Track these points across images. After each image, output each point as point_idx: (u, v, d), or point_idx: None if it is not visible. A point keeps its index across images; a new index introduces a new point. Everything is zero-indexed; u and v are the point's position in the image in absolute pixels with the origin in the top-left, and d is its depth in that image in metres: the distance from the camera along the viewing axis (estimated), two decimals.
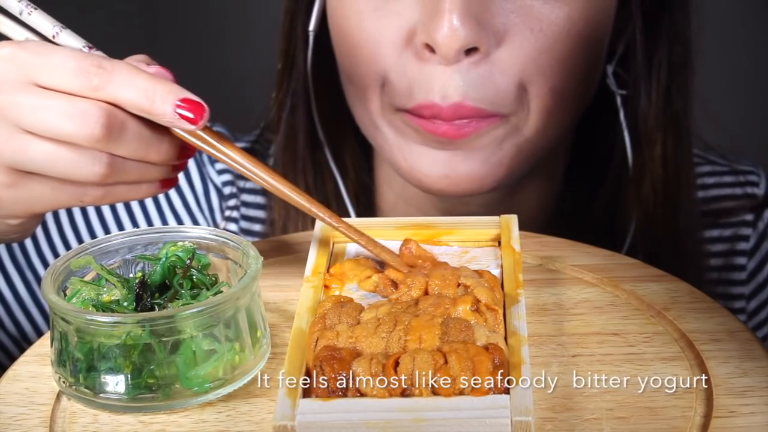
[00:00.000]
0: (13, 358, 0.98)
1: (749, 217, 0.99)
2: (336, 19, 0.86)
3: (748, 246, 0.98)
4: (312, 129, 0.95)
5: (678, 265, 0.90)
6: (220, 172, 1.00)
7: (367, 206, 0.99)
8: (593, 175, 0.97)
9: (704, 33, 0.93)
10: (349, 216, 0.96)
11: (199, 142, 0.68)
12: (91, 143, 0.65)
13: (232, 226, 1.00)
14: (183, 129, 0.66)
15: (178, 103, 0.65)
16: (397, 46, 0.82)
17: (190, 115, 0.65)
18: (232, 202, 1.00)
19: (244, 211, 1.00)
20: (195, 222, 1.00)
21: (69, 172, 0.66)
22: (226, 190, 1.00)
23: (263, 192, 1.00)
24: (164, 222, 1.00)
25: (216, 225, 1.00)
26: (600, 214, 0.96)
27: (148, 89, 0.64)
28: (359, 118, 0.89)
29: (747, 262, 0.98)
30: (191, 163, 1.01)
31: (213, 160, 1.00)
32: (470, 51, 0.79)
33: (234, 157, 0.68)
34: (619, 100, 0.91)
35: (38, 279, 0.98)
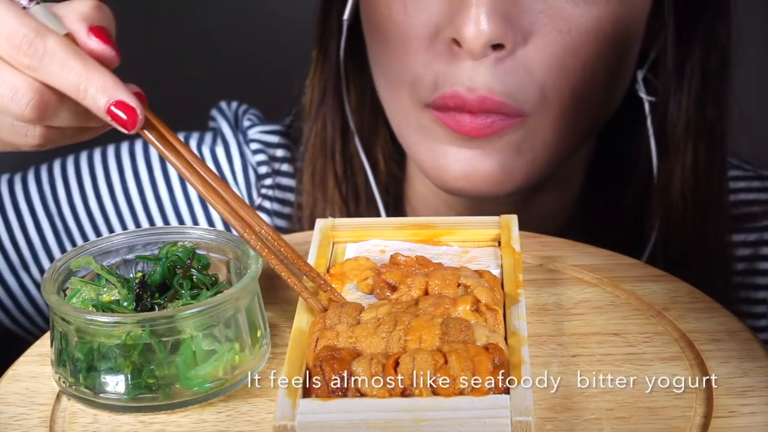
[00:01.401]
0: (36, 305, 0.99)
1: None
2: (368, 10, 0.87)
3: None
4: (343, 118, 0.95)
5: (706, 272, 0.90)
6: (255, 152, 1.01)
7: (397, 198, 0.99)
8: (618, 180, 0.97)
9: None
10: (377, 208, 0.96)
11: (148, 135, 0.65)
12: (22, 122, 0.62)
13: (267, 204, 1.01)
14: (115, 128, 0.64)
15: (112, 105, 0.62)
16: (425, 39, 0.82)
17: (124, 117, 0.62)
18: (267, 182, 1.01)
19: (278, 193, 1.01)
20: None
21: (3, 134, 0.64)
22: (261, 170, 1.01)
23: (296, 176, 1.00)
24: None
25: (252, 200, 1.01)
26: (622, 220, 0.96)
27: (81, 82, 0.61)
28: (388, 111, 0.90)
29: None
30: (231, 140, 1.01)
31: (248, 140, 1.01)
32: (497, 47, 0.80)
33: (171, 154, 0.65)
34: (647, 106, 0.91)
35: (67, 229, 0.99)
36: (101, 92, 0.62)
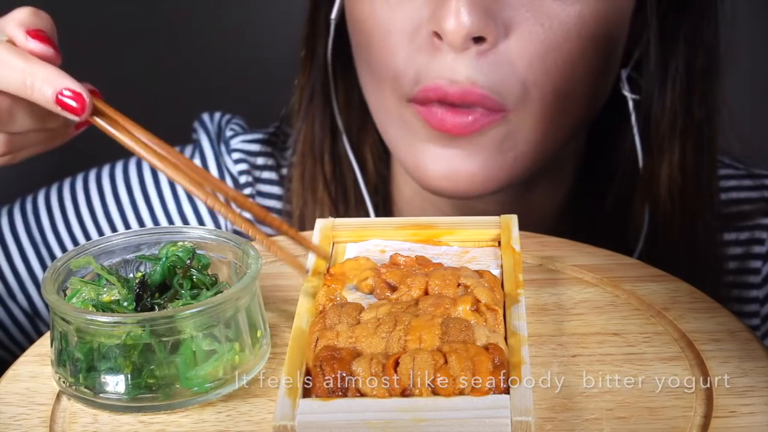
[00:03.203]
0: (25, 332, 0.99)
1: (765, 220, 0.99)
2: (351, 7, 0.87)
3: (763, 249, 0.98)
4: (331, 118, 0.96)
5: (696, 271, 0.90)
6: (237, 161, 1.01)
7: (386, 198, 0.99)
8: (607, 179, 0.97)
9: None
10: (366, 209, 0.96)
11: (101, 122, 0.66)
12: None
13: (247, 215, 1.01)
14: (68, 118, 0.66)
15: (59, 93, 0.64)
16: (407, 34, 0.83)
17: (73, 104, 0.64)
18: (247, 191, 1.01)
19: (259, 200, 1.01)
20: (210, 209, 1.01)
21: None
22: (242, 179, 1.01)
23: (279, 183, 1.00)
24: (180, 208, 1.00)
25: None
26: (612, 218, 0.96)
27: (25, 78, 0.63)
28: (372, 108, 0.90)
29: (762, 265, 0.98)
30: (208, 152, 1.02)
31: (230, 150, 1.01)
32: (478, 40, 0.80)
33: (127, 138, 0.66)
34: (631, 104, 0.91)
35: (53, 256, 0.99)
36: (46, 84, 0.64)
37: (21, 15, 0.67)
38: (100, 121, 0.66)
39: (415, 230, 0.73)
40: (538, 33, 0.81)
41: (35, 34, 0.66)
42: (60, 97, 0.64)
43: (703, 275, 0.92)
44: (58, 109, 0.64)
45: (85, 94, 0.64)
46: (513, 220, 0.73)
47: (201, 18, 1.45)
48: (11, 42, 0.65)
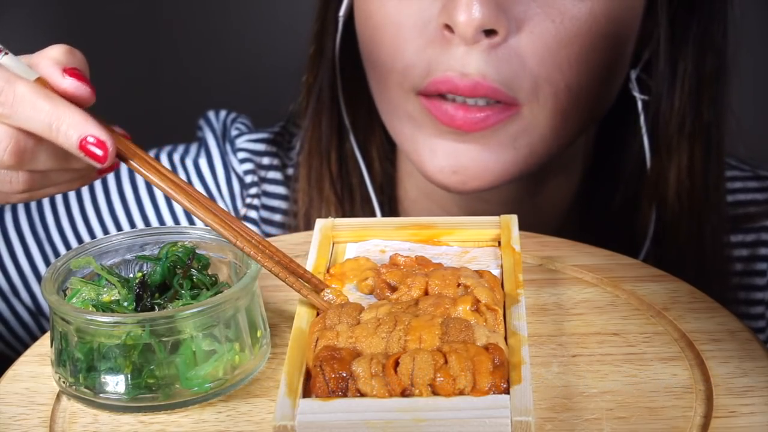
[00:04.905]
0: (28, 329, 0.99)
1: None
2: (361, 2, 0.87)
3: None
4: (339, 117, 0.96)
5: (703, 273, 0.90)
6: (242, 161, 1.01)
7: (391, 197, 1.00)
8: (614, 179, 0.97)
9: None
10: (372, 208, 0.96)
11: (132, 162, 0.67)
12: (3, 169, 0.64)
13: (253, 214, 1.01)
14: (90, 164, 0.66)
15: (83, 140, 0.64)
16: (418, 27, 0.83)
17: (97, 152, 0.64)
18: (253, 191, 1.01)
19: (265, 200, 1.01)
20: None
21: None
22: (248, 179, 1.01)
23: (284, 183, 1.01)
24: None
25: (237, 212, 1.01)
26: (619, 219, 0.97)
27: (52, 122, 0.63)
28: (379, 105, 0.90)
29: (767, 267, 0.98)
30: (214, 150, 1.02)
31: (235, 149, 1.01)
32: (489, 34, 0.80)
33: (160, 180, 0.66)
34: (640, 105, 0.91)
35: (57, 254, 0.99)
36: (72, 128, 0.64)
37: (56, 52, 0.66)
38: (134, 164, 0.66)
39: (415, 230, 0.73)
40: (549, 29, 0.81)
41: (72, 72, 0.66)
42: (84, 143, 0.64)
43: (709, 277, 0.92)
44: (81, 155, 0.64)
45: (109, 143, 0.64)
46: (513, 220, 0.73)
47: (205, 16, 1.45)
48: (42, 80, 0.65)
